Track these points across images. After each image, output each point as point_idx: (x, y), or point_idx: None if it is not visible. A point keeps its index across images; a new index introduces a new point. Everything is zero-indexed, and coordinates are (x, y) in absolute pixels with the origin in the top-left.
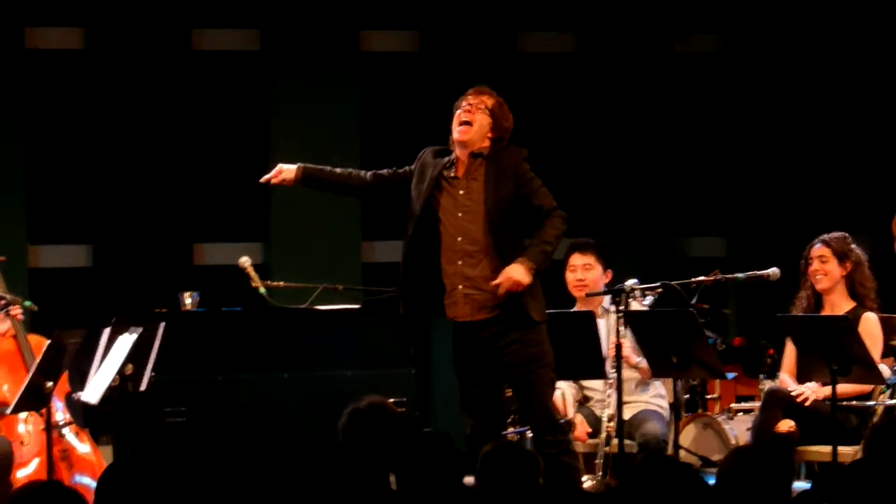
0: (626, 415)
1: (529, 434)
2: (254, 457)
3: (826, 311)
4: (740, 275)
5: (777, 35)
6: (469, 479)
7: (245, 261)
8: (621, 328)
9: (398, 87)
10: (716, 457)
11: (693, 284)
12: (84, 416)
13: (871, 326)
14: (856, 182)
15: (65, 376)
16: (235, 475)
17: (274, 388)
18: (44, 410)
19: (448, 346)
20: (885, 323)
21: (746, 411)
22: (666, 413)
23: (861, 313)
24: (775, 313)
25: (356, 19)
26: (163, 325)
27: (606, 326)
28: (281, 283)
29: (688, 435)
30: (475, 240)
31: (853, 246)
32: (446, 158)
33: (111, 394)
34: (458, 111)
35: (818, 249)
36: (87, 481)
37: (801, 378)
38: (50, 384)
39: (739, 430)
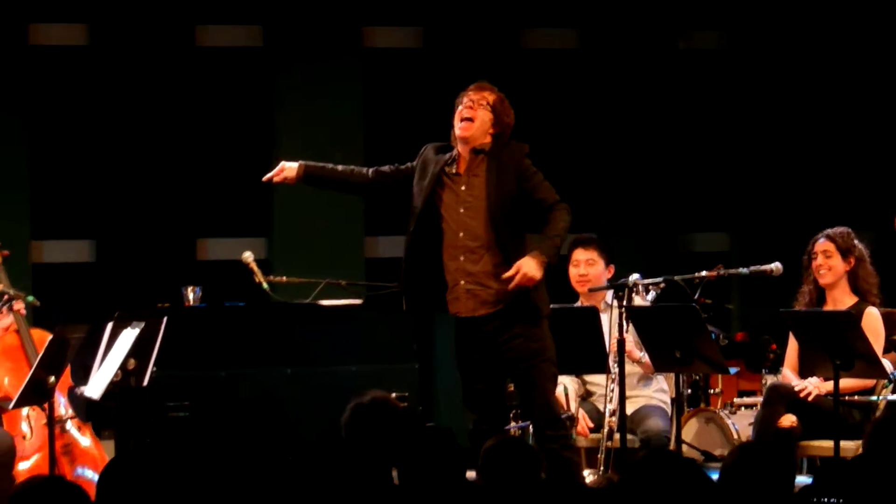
0: (629, 410)
1: (531, 429)
2: (256, 452)
3: (829, 307)
4: (743, 270)
5: (780, 31)
6: (471, 474)
7: (248, 256)
8: (624, 323)
9: (402, 84)
10: (718, 451)
11: (696, 279)
12: (86, 410)
13: (873, 321)
14: (858, 178)
15: (68, 371)
16: (238, 470)
17: (277, 383)
18: (46, 405)
19: (451, 342)
20: (887, 318)
21: (749, 406)
22: (668, 408)
23: (863, 308)
24: (778, 308)
25: (360, 15)
26: (165, 320)
27: (609, 321)
28: (284, 279)
29: (690, 430)
30: (477, 235)
31: (856, 241)
32: (448, 155)
33: (113, 389)
34: (459, 107)
35: (822, 244)
36: (90, 474)
37: (804, 373)
38: (52, 379)
39: (742, 424)
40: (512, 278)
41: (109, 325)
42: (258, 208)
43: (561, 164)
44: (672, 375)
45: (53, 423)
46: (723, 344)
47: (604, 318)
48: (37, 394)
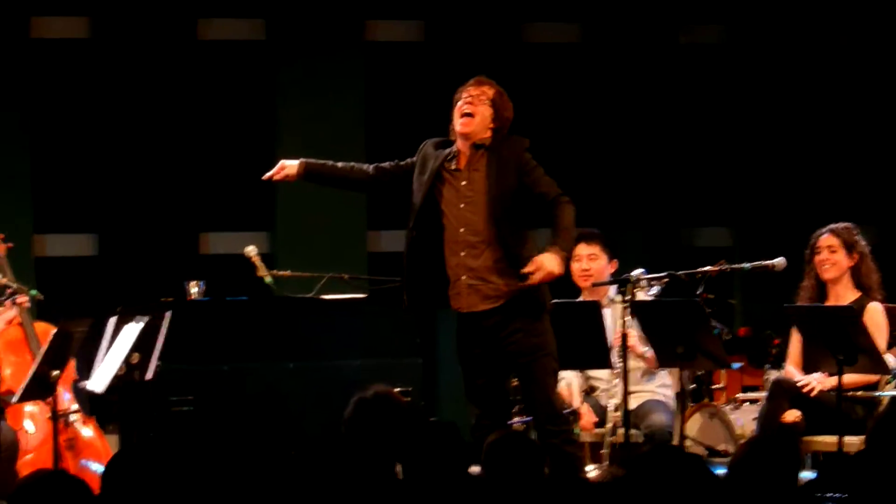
0: (632, 405)
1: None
2: (260, 446)
3: (831, 302)
4: (746, 265)
5: (781, 25)
6: (474, 469)
7: (251, 250)
8: (627, 318)
9: (403, 77)
10: (721, 447)
11: (699, 274)
12: (90, 404)
13: (876, 316)
14: (861, 173)
15: (71, 364)
16: (241, 464)
17: (280, 377)
18: (49, 399)
19: (454, 336)
20: (890, 313)
21: (752, 401)
22: (671, 403)
23: (866, 303)
24: (781, 303)
25: (362, 9)
26: (169, 314)
27: (612, 316)
28: (287, 273)
29: (693, 425)
30: (478, 230)
31: (859, 237)
32: (447, 150)
33: (117, 383)
34: (458, 102)
35: (827, 239)
36: (96, 467)
37: (807, 368)
38: (56, 373)
39: (745, 419)
40: (533, 276)
41: (113, 320)
42: (261, 202)
43: (563, 159)
44: (675, 370)
45: (57, 417)
46: (726, 339)
47: (607, 313)
48: (40, 388)
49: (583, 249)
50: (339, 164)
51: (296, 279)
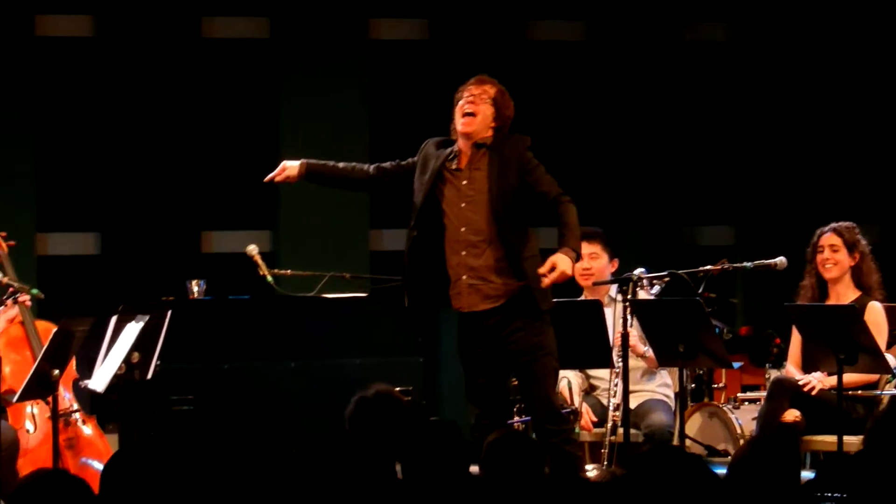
0: (632, 404)
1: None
2: (260, 445)
3: (831, 301)
4: (748, 264)
5: (786, 23)
6: (475, 469)
7: (253, 249)
8: (628, 317)
9: (408, 76)
10: (721, 446)
11: (700, 273)
12: (91, 403)
13: (876, 316)
14: (863, 172)
15: (72, 363)
16: (242, 463)
17: (281, 376)
18: (50, 398)
19: (455, 335)
20: (890, 312)
21: (752, 401)
22: (672, 402)
23: (866, 303)
24: (783, 303)
25: (366, 7)
26: (170, 313)
27: (613, 315)
28: (288, 272)
29: (693, 424)
30: (479, 230)
31: (860, 236)
32: (448, 150)
33: (118, 382)
34: (460, 102)
35: (829, 237)
36: (96, 465)
37: (807, 368)
38: (56, 372)
39: (745, 419)
40: (548, 277)
41: (114, 319)
42: (263, 201)
43: (566, 157)
44: (676, 370)
45: (57, 416)
46: (727, 338)
47: (608, 312)
48: (41, 387)
49: (584, 248)
50: (341, 165)
51: (297, 278)
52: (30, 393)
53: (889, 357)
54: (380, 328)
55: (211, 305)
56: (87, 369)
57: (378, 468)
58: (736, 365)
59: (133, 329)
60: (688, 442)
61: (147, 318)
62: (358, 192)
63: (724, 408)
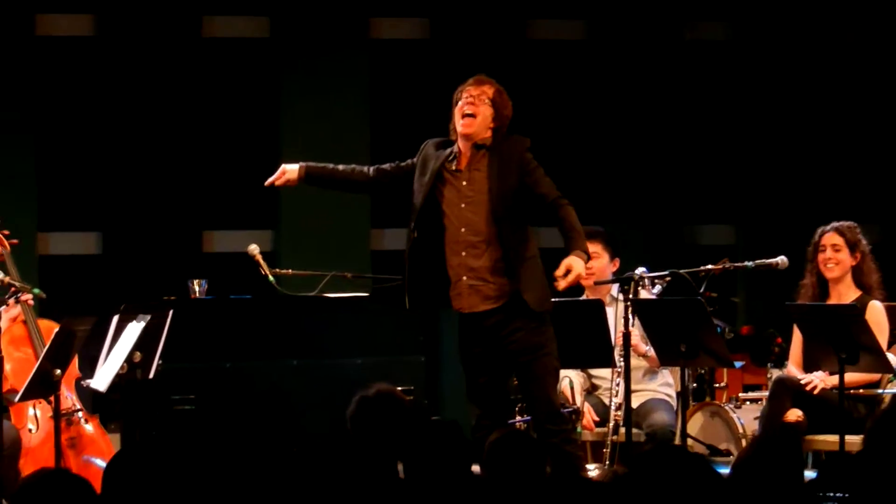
0: (634, 403)
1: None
2: (262, 444)
3: (833, 300)
4: (749, 263)
5: (786, 22)
6: (476, 468)
7: (254, 248)
8: (630, 317)
9: (408, 75)
10: (723, 446)
11: (702, 273)
12: (93, 402)
13: (877, 315)
14: (864, 171)
15: (75, 362)
16: (243, 462)
17: (282, 375)
18: (52, 398)
19: (456, 335)
20: (890, 312)
21: (754, 400)
22: (673, 402)
23: (867, 302)
24: (784, 302)
25: (366, 6)
26: (171, 312)
27: (615, 315)
28: (290, 271)
29: (695, 423)
30: (479, 230)
31: (861, 236)
32: (448, 150)
33: (119, 381)
34: (459, 103)
35: (831, 237)
36: (100, 462)
37: (809, 367)
38: (58, 371)
39: (747, 418)
40: (565, 280)
41: (115, 318)
42: (264, 201)
43: (567, 156)
44: (677, 369)
45: (59, 415)
46: (728, 337)
47: (609, 311)
48: (43, 386)
49: None
50: (340, 167)
51: (299, 277)
52: (32, 392)
53: (890, 356)
54: (381, 327)
55: (212, 305)
56: (88, 369)
57: (380, 467)
58: (737, 364)
59: (135, 328)
60: (689, 441)
61: (149, 317)
62: (358, 194)
63: (726, 407)
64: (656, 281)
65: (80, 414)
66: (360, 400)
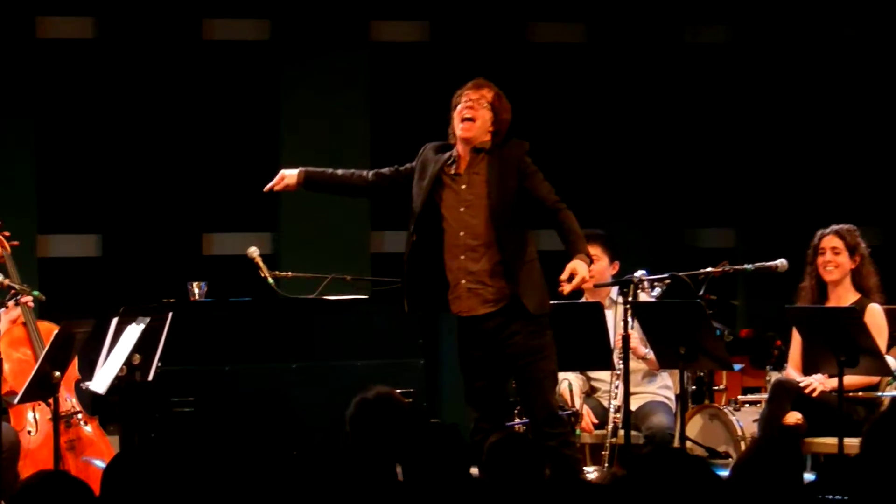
0: (633, 406)
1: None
2: (261, 447)
3: (832, 303)
4: (749, 266)
5: (786, 25)
6: (475, 471)
7: (254, 251)
8: (629, 319)
9: (409, 77)
10: (722, 448)
11: (701, 276)
12: (92, 405)
13: (876, 318)
14: (864, 174)
15: (74, 364)
16: (242, 465)
17: (282, 378)
18: (51, 400)
19: (456, 338)
20: (889, 315)
21: (753, 403)
22: (672, 404)
23: (866, 304)
24: (783, 305)
25: (367, 9)
26: (171, 314)
27: (614, 317)
28: (289, 274)
29: (694, 426)
30: (478, 234)
31: (860, 238)
32: (447, 154)
33: (119, 384)
34: (458, 107)
35: (831, 240)
36: (99, 463)
37: (808, 370)
38: (57, 374)
39: (746, 421)
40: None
41: (115, 320)
42: (264, 203)
43: (567, 159)
44: (676, 372)
45: (58, 417)
46: (727, 340)
47: (609, 314)
48: (42, 389)
49: None
50: (339, 172)
51: (299, 280)
52: (31, 394)
53: (889, 359)
54: (381, 330)
55: (212, 307)
56: (88, 371)
57: (379, 470)
58: (737, 367)
59: (134, 331)
60: (688, 444)
61: (148, 319)
62: (357, 198)
63: (725, 410)
64: (656, 284)
65: (80, 416)
66: (359, 402)
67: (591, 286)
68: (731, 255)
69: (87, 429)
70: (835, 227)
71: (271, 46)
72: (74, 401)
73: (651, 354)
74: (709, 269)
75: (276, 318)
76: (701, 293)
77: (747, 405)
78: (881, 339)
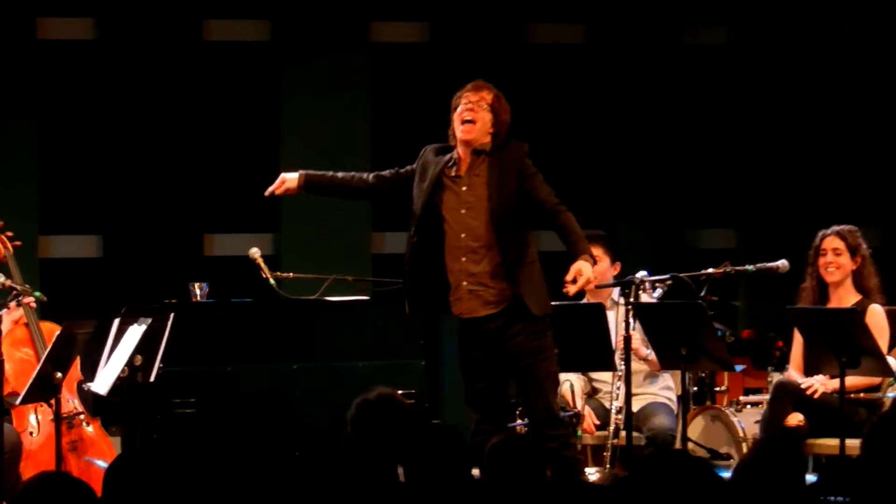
0: (635, 407)
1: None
2: (262, 448)
3: (833, 304)
4: (750, 267)
5: (787, 26)
6: (476, 472)
7: (255, 252)
8: (630, 320)
9: (408, 78)
10: (724, 449)
11: (702, 276)
12: (94, 406)
13: (878, 319)
14: (865, 174)
15: (76, 365)
16: (244, 466)
17: (283, 379)
18: (53, 401)
19: (457, 339)
20: (890, 316)
21: (755, 404)
22: (674, 405)
23: (867, 305)
24: (785, 305)
25: (367, 10)
26: (172, 315)
27: (615, 318)
28: (291, 275)
29: (696, 427)
30: (478, 236)
31: (861, 239)
32: (447, 156)
33: (120, 384)
34: (458, 108)
35: (832, 241)
36: (102, 463)
37: (809, 371)
38: (59, 375)
39: (748, 422)
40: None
41: (116, 321)
42: (266, 204)
43: (567, 160)
44: (678, 373)
45: (60, 418)
46: (729, 341)
47: (610, 315)
48: (44, 390)
49: None
50: (339, 175)
51: (300, 281)
52: (33, 396)
53: (891, 360)
54: (382, 331)
55: (213, 308)
56: (90, 372)
57: (380, 471)
58: (738, 368)
59: (136, 332)
60: (690, 445)
61: (150, 320)
62: (357, 201)
63: (727, 411)
64: (657, 284)
65: (82, 417)
66: (360, 403)
67: (592, 287)
68: (732, 255)
69: (89, 430)
70: (836, 227)
71: (271, 47)
72: (76, 402)
73: (652, 355)
74: (710, 270)
75: (277, 319)
76: (702, 294)
77: (749, 406)
78: (882, 340)
